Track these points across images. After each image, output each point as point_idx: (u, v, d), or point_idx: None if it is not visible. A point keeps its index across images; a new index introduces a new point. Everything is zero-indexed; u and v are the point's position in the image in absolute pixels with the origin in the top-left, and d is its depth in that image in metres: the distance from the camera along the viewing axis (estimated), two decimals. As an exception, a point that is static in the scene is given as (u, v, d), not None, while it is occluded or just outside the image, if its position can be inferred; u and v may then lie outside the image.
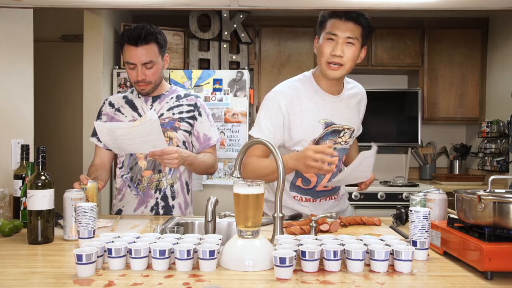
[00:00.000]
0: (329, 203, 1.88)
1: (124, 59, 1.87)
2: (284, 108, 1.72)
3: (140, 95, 1.99)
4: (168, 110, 1.97)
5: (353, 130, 1.84)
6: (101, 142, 1.95)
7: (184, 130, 1.96)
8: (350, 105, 1.84)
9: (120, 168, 1.98)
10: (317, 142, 1.74)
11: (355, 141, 2.00)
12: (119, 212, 1.98)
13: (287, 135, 1.74)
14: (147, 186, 1.94)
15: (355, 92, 1.88)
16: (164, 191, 1.95)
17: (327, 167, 1.51)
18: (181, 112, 1.97)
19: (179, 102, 1.99)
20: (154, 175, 1.94)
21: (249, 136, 1.62)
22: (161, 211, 1.95)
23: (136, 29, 1.83)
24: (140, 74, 1.85)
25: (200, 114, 2.00)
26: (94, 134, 1.99)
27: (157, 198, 1.94)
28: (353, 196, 3.47)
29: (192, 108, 1.99)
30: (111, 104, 2.02)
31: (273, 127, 1.72)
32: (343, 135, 1.80)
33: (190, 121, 1.98)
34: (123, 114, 1.98)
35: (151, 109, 1.95)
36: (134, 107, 1.98)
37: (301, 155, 1.55)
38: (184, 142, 1.96)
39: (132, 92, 2.03)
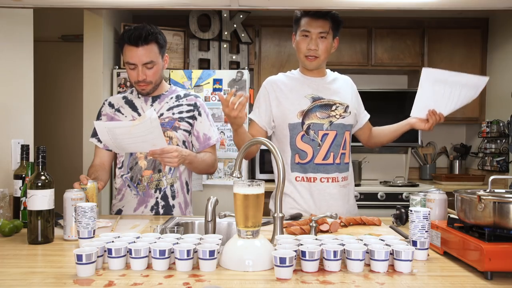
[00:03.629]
0: (333, 188, 1.91)
1: (125, 60, 1.87)
2: (270, 90, 1.98)
3: (140, 95, 1.99)
4: (168, 110, 1.97)
5: (347, 106, 1.96)
6: (101, 142, 1.95)
7: (184, 130, 1.96)
8: (336, 85, 2.01)
9: (120, 168, 1.98)
10: (305, 113, 1.92)
11: (381, 127, 2.14)
12: (119, 212, 1.98)
13: (276, 110, 1.95)
14: (147, 185, 1.94)
15: (338, 77, 2.07)
16: (164, 191, 1.95)
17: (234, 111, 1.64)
18: (181, 112, 1.97)
19: (179, 102, 1.99)
20: (154, 174, 1.94)
21: (249, 120, 1.94)
22: (161, 211, 1.95)
23: (136, 29, 1.83)
24: (141, 74, 1.86)
25: (199, 114, 2.00)
26: (94, 134, 1.99)
27: (157, 198, 1.95)
28: (353, 196, 3.47)
29: (191, 108, 1.99)
30: (111, 105, 2.02)
31: (264, 108, 1.97)
32: (335, 109, 1.94)
33: (190, 120, 1.98)
34: (123, 114, 1.98)
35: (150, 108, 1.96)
36: (134, 107, 1.98)
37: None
38: (184, 142, 1.96)
39: (131, 92, 2.03)
